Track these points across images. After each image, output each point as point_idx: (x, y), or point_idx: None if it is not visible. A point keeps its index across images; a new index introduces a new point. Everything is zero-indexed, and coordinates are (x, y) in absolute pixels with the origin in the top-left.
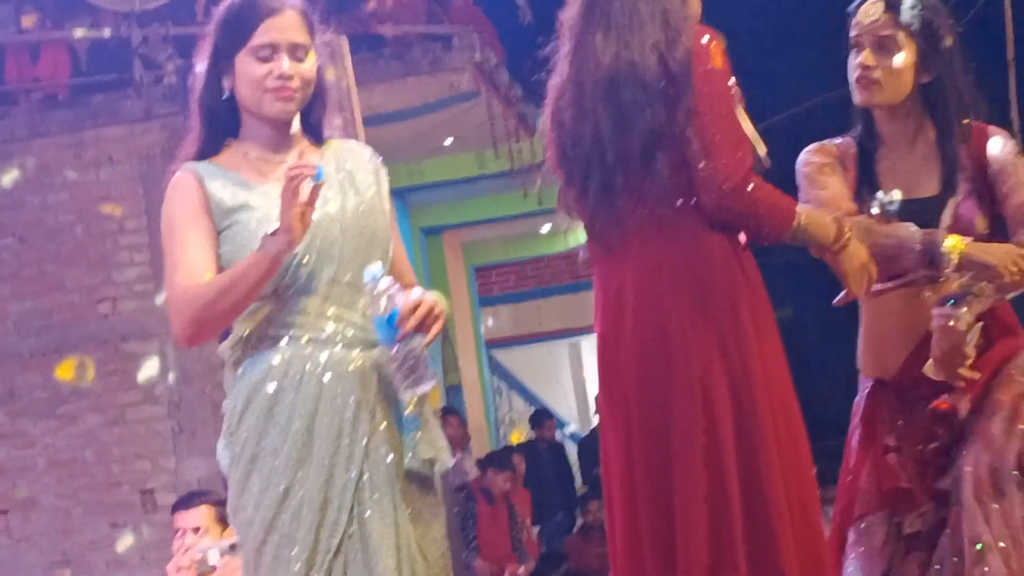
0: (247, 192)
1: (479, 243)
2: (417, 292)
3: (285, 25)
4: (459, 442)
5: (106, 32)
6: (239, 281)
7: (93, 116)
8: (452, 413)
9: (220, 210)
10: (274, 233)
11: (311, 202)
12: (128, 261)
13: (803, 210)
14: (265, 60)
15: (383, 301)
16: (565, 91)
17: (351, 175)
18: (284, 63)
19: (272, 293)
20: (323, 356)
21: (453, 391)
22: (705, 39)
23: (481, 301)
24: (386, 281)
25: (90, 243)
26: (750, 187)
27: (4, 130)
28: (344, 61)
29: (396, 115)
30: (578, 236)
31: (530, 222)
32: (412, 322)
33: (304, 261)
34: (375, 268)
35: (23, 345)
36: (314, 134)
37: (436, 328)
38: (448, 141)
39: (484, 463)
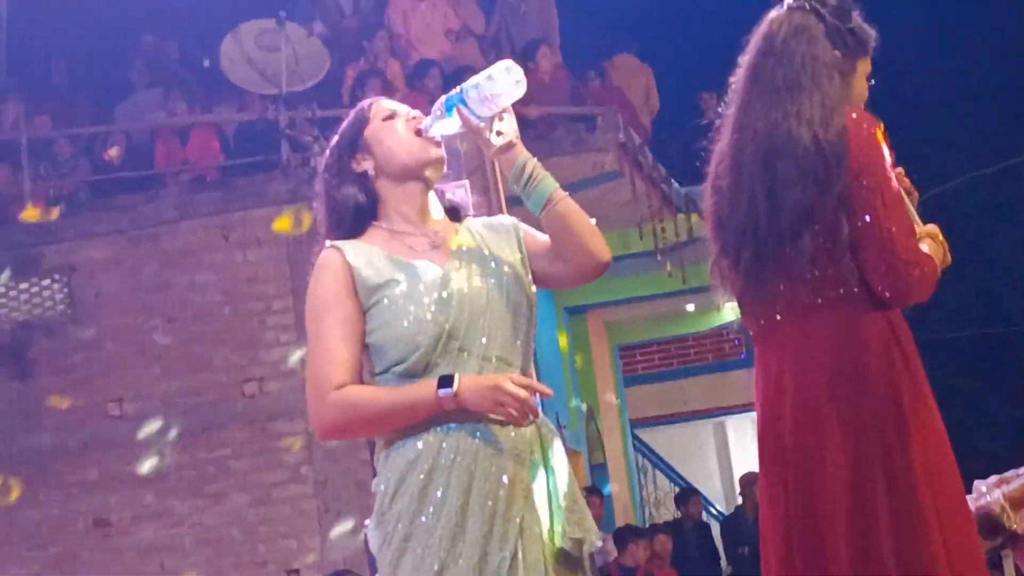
0: (392, 267)
1: (623, 322)
2: None
3: (396, 103)
4: (600, 522)
5: (253, 115)
6: (399, 413)
7: (240, 198)
8: (595, 493)
9: (366, 288)
10: (456, 394)
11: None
12: (275, 341)
13: (930, 251)
14: (392, 118)
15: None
16: (724, 157)
17: (491, 248)
18: (409, 112)
19: (424, 370)
20: (476, 434)
21: (598, 470)
22: (863, 125)
23: (625, 380)
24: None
25: (237, 323)
26: (926, 268)
27: (153, 212)
28: None
29: None
30: (722, 316)
31: (674, 301)
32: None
33: (454, 336)
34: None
35: (171, 424)
36: (450, 212)
37: None
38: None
39: (622, 538)
